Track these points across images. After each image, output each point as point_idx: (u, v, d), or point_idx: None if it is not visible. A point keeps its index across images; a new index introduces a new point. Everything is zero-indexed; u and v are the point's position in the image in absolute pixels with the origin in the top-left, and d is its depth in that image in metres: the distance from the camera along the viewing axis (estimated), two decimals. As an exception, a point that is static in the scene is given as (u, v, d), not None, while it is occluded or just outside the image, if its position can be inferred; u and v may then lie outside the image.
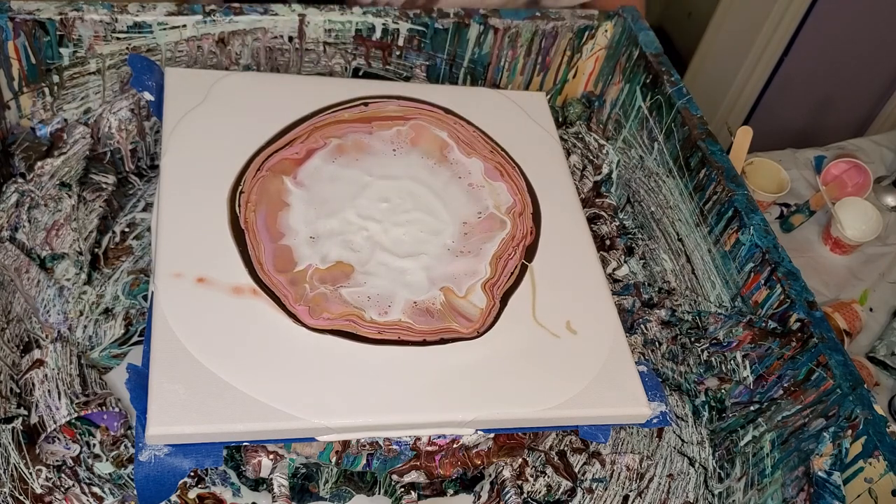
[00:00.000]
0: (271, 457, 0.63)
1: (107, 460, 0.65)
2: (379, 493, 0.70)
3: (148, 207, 0.84)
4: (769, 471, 0.71)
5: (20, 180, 0.76)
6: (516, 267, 0.70)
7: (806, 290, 0.71)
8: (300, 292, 0.63)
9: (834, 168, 1.29)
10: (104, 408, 0.64)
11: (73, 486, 0.63)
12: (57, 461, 0.64)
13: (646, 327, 0.83)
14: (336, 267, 0.65)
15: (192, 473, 0.66)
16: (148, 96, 0.74)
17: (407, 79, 0.91)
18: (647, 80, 0.89)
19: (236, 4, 0.81)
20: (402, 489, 0.68)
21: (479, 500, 0.70)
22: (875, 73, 1.94)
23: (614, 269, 0.88)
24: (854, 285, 1.19)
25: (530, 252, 0.72)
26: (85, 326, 0.73)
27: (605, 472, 0.74)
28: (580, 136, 0.96)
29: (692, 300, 0.83)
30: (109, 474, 0.65)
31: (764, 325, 0.73)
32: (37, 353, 0.67)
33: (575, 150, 0.95)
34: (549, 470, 0.72)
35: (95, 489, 0.63)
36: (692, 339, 0.81)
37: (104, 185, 0.80)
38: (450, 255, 0.69)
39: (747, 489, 0.72)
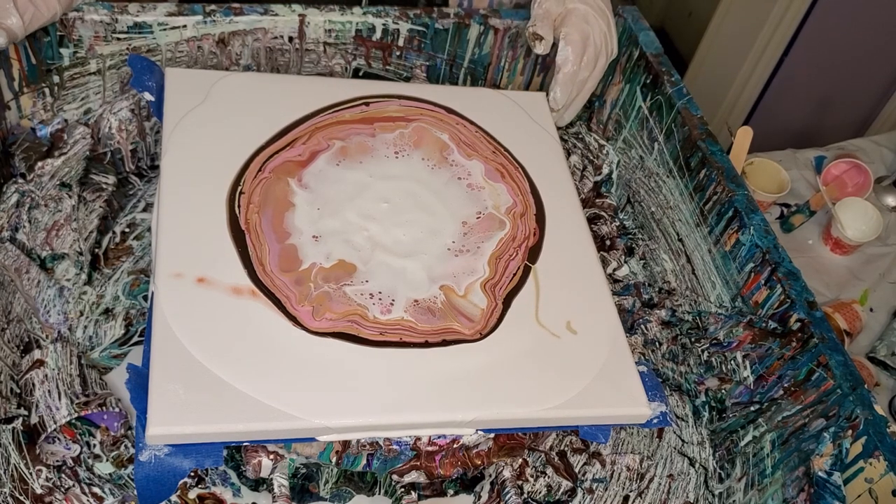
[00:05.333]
0: (271, 457, 0.63)
1: (107, 460, 0.65)
2: (379, 494, 0.70)
3: (148, 208, 0.84)
4: (769, 471, 0.71)
5: (20, 181, 0.76)
6: (519, 268, 0.70)
7: (806, 291, 0.71)
8: (304, 292, 0.63)
9: (834, 168, 1.29)
10: (104, 408, 0.64)
11: (74, 486, 0.63)
12: (57, 461, 0.64)
13: (646, 327, 0.83)
14: (339, 265, 0.66)
15: (192, 473, 0.66)
16: (148, 97, 0.74)
17: (407, 79, 0.91)
18: (648, 81, 0.89)
19: (236, 5, 0.81)
20: (403, 489, 0.68)
21: (479, 500, 0.70)
22: (875, 73, 1.94)
23: (614, 270, 0.88)
24: (854, 285, 1.19)
25: (534, 253, 0.72)
26: (85, 327, 0.73)
27: (606, 473, 0.74)
28: (580, 136, 0.96)
29: (692, 300, 0.83)
30: (110, 474, 0.65)
31: (764, 325, 0.73)
32: (37, 354, 0.67)
33: (575, 150, 0.95)
34: (549, 470, 0.72)
35: (96, 489, 0.63)
36: (692, 340, 0.81)
37: (104, 186, 0.81)
38: (449, 254, 0.69)
39: (747, 489, 0.72)
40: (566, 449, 0.74)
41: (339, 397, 0.58)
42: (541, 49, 0.84)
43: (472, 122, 0.81)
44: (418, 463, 0.65)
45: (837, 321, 1.08)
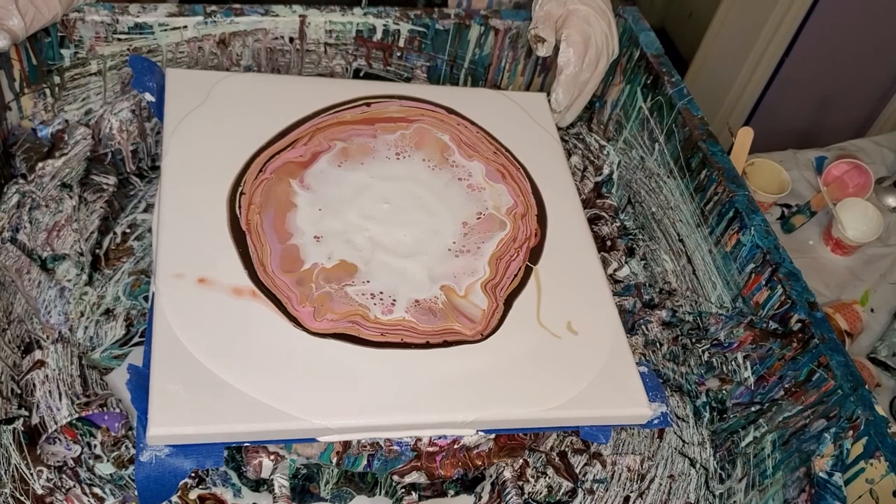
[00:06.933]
0: (272, 457, 0.63)
1: (108, 461, 0.65)
2: (380, 494, 0.70)
3: (149, 208, 0.84)
4: (770, 472, 0.71)
5: (21, 181, 0.76)
6: (520, 269, 0.70)
7: (807, 291, 0.71)
8: (306, 292, 0.63)
9: (835, 169, 1.29)
10: (105, 408, 0.65)
11: (74, 486, 0.63)
12: (58, 462, 0.64)
13: (647, 328, 0.83)
14: (341, 266, 0.66)
15: (192, 474, 0.66)
16: (149, 97, 0.74)
17: (408, 80, 0.91)
18: (648, 81, 0.89)
19: (237, 5, 0.81)
20: (403, 490, 0.68)
21: (479, 500, 0.70)
22: (876, 73, 1.94)
23: (615, 270, 0.88)
24: (855, 286, 1.19)
25: (535, 254, 0.72)
26: (86, 327, 0.73)
27: (606, 473, 0.74)
28: (581, 136, 0.96)
29: (693, 301, 0.83)
30: (110, 475, 0.65)
31: (765, 325, 0.73)
32: (38, 354, 0.67)
33: (576, 150, 0.95)
34: (549, 471, 0.72)
35: (96, 490, 0.64)
36: (693, 340, 0.81)
37: (105, 186, 0.81)
38: (450, 254, 0.69)
39: (748, 490, 0.72)
40: (567, 449, 0.74)
41: (339, 398, 0.58)
42: (543, 51, 0.84)
43: (472, 123, 0.81)
44: (419, 463, 0.65)
45: (838, 322, 1.08)
